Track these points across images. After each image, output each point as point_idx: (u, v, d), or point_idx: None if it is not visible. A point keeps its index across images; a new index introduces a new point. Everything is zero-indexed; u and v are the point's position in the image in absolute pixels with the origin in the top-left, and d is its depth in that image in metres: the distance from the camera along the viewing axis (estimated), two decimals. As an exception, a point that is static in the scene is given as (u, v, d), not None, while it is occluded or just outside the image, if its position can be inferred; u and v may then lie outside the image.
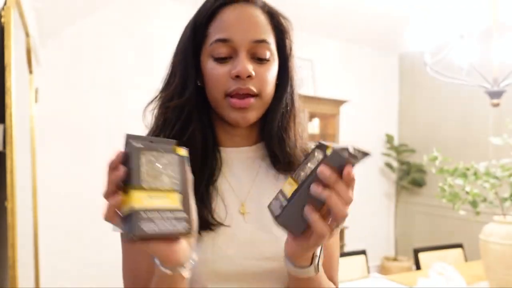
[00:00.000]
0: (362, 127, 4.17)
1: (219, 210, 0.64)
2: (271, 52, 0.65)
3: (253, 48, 0.63)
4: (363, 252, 2.17)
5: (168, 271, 0.50)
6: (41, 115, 2.61)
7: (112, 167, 0.48)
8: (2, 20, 1.23)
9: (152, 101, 0.71)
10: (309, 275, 0.57)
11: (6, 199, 1.23)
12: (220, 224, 0.63)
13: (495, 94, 1.90)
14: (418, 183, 4.01)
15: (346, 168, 0.49)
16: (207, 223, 0.62)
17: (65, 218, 2.79)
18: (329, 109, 3.60)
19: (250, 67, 0.62)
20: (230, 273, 0.62)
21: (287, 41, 0.69)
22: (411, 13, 3.26)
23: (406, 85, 4.40)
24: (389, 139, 4.21)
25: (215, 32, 0.63)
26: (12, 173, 1.23)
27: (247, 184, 0.68)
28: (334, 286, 0.69)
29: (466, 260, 2.45)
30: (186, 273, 0.52)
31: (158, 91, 0.71)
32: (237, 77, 0.62)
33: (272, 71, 0.65)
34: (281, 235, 0.61)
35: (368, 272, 2.15)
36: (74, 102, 2.85)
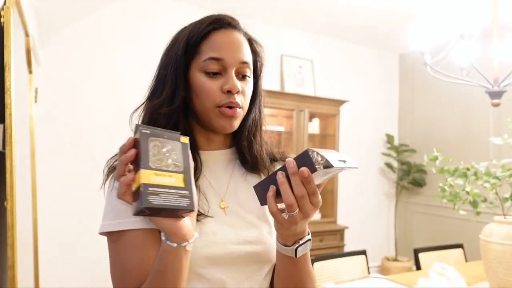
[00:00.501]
0: (362, 127, 4.17)
1: (202, 205, 0.73)
2: (251, 71, 0.77)
3: (240, 68, 0.74)
4: (363, 252, 2.17)
5: (174, 245, 0.58)
6: (41, 115, 2.61)
7: (124, 151, 0.56)
8: (2, 20, 1.22)
9: (138, 108, 0.79)
10: (288, 255, 0.67)
11: (5, 199, 1.22)
12: (205, 216, 0.72)
13: (496, 94, 1.90)
14: (419, 183, 4.01)
15: (306, 168, 0.57)
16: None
17: (65, 218, 2.79)
18: (329, 109, 3.60)
19: (239, 84, 0.73)
20: (218, 257, 0.71)
21: (259, 63, 0.82)
22: (411, 13, 3.26)
23: (406, 85, 4.40)
24: (389, 139, 4.21)
25: (208, 50, 0.73)
26: (11, 173, 1.23)
27: (225, 183, 0.79)
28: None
29: (466, 260, 2.45)
30: (190, 247, 0.60)
31: (145, 98, 0.80)
32: (229, 92, 0.72)
33: (251, 87, 0.77)
34: (258, 223, 0.77)
35: (369, 272, 2.15)
36: (74, 102, 2.85)
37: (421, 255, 2.28)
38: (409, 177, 4.03)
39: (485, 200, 1.60)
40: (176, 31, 0.84)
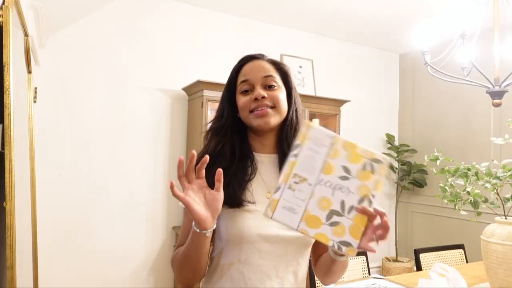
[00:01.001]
0: (362, 127, 4.16)
1: (251, 196, 0.96)
2: (277, 83, 1.00)
3: (264, 81, 0.99)
4: (363, 253, 2.16)
5: (197, 230, 0.83)
6: (40, 115, 2.60)
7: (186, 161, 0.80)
8: (1, 19, 1.22)
9: (210, 128, 1.05)
10: (343, 260, 0.91)
11: (4, 200, 1.22)
12: (250, 203, 0.94)
13: (497, 94, 1.89)
14: (419, 184, 4.00)
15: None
16: (239, 201, 0.94)
17: (64, 219, 2.79)
18: (329, 109, 3.59)
19: (263, 92, 0.97)
20: (269, 236, 0.92)
21: (289, 78, 1.05)
22: (411, 13, 3.25)
23: (407, 85, 4.39)
24: (390, 139, 4.20)
25: (240, 78, 1.02)
26: (10, 173, 1.23)
27: (274, 180, 0.98)
28: None
29: (467, 261, 2.44)
30: (208, 234, 0.84)
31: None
32: (256, 99, 0.97)
33: (281, 94, 1.00)
34: None
35: (369, 273, 2.15)
36: (73, 102, 2.84)
37: (422, 256, 2.27)
38: (410, 177, 4.03)
39: (486, 201, 1.59)
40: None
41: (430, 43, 1.95)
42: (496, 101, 1.90)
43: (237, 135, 1.01)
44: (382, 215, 0.74)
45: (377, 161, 0.76)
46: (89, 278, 2.83)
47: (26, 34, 1.69)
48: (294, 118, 1.03)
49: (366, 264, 2.15)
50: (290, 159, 0.77)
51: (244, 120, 1.00)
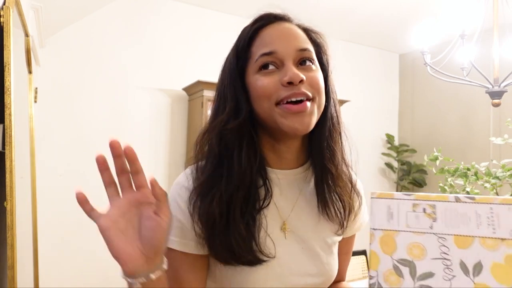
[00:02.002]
0: (362, 127, 4.16)
1: (266, 237, 0.65)
2: (315, 60, 0.66)
3: (298, 56, 0.64)
4: (363, 253, 2.17)
5: (122, 277, 0.52)
6: (41, 115, 2.60)
7: None
8: (1, 19, 1.22)
9: (205, 132, 0.69)
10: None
11: (5, 200, 1.22)
12: (268, 257, 0.64)
13: (496, 94, 1.90)
14: (419, 183, 4.00)
15: None
16: (255, 259, 0.63)
17: (65, 219, 2.79)
18: (329, 109, 3.59)
19: (299, 73, 0.62)
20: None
21: (324, 56, 0.70)
22: (411, 13, 3.25)
23: (406, 85, 4.40)
24: (389, 139, 4.21)
25: (259, 49, 0.64)
26: (11, 173, 1.23)
27: (291, 203, 0.69)
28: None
29: (466, 260, 2.44)
30: (138, 286, 0.51)
31: (209, 121, 0.70)
32: (289, 83, 0.61)
33: (320, 77, 0.66)
34: (319, 252, 0.68)
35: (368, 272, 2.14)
36: (74, 102, 2.85)
37: (421, 255, 2.27)
38: (409, 177, 4.03)
39: (485, 200, 1.59)
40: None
41: (429, 43, 1.95)
42: (496, 101, 1.90)
43: (256, 140, 0.66)
44: None
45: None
46: (90, 278, 2.83)
47: (26, 34, 1.70)
48: (334, 116, 0.70)
49: (366, 264, 2.15)
50: None
51: (263, 115, 0.64)
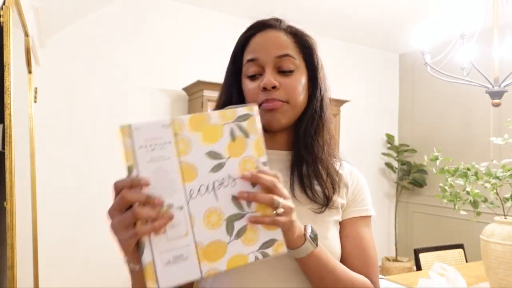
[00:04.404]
0: (362, 127, 4.16)
1: None
2: (296, 65, 0.75)
3: (278, 62, 0.74)
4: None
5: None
6: (40, 115, 2.60)
7: None
8: (1, 19, 1.22)
9: None
10: (305, 253, 0.63)
11: (5, 200, 1.22)
12: None
13: (496, 94, 1.90)
14: (419, 183, 4.00)
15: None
16: None
17: (65, 219, 2.79)
18: (329, 109, 3.59)
19: (274, 79, 0.72)
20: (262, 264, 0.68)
21: (314, 56, 0.79)
22: (411, 13, 3.25)
23: (406, 85, 4.40)
24: (389, 139, 4.21)
25: (246, 55, 0.76)
26: (11, 173, 1.23)
27: (285, 182, 0.75)
28: (362, 277, 0.74)
29: (466, 260, 2.45)
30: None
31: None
32: (264, 88, 0.72)
33: (298, 81, 0.75)
34: (315, 226, 0.69)
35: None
36: (73, 102, 2.85)
37: (422, 256, 2.27)
38: (410, 177, 4.03)
39: (485, 200, 1.60)
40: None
41: (429, 43, 1.95)
42: (496, 101, 1.90)
43: None
44: (271, 175, 0.56)
45: (243, 117, 0.56)
46: (90, 278, 2.83)
47: (26, 34, 1.70)
48: (318, 110, 0.77)
49: (366, 264, 2.15)
50: None
51: None
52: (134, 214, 0.49)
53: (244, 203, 0.55)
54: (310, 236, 0.63)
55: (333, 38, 4.01)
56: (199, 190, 0.53)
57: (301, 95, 0.75)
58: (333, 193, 0.76)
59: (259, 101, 0.73)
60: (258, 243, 0.55)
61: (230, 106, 0.58)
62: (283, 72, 0.74)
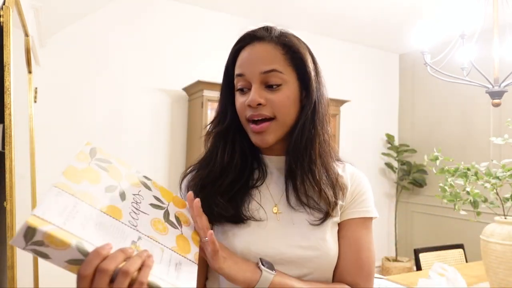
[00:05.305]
0: (362, 127, 4.16)
1: (255, 209, 0.76)
2: (283, 79, 0.74)
3: (264, 78, 0.73)
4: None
5: None
6: (40, 115, 2.60)
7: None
8: (1, 19, 1.22)
9: (208, 131, 0.83)
10: (267, 284, 0.67)
11: (5, 200, 1.22)
12: (256, 220, 0.75)
13: (496, 94, 1.90)
14: (419, 183, 4.00)
15: None
16: (237, 214, 0.74)
17: (65, 219, 2.78)
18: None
19: (259, 97, 0.72)
20: (270, 257, 0.71)
21: (305, 67, 0.77)
22: (411, 13, 3.25)
23: (406, 85, 4.40)
24: (389, 139, 4.21)
25: (236, 70, 0.76)
26: (11, 173, 1.23)
27: (281, 189, 0.79)
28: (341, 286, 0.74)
29: (466, 260, 2.45)
30: None
31: (209, 123, 0.85)
32: (250, 106, 0.73)
33: (286, 95, 0.74)
34: (311, 233, 0.74)
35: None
36: (73, 102, 2.85)
37: (422, 256, 2.27)
38: (410, 177, 4.03)
39: (485, 200, 1.60)
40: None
41: (429, 43, 1.95)
42: (496, 101, 1.90)
43: (243, 135, 0.79)
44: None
45: (145, 183, 0.67)
46: (89, 278, 2.82)
47: (26, 34, 1.70)
48: (307, 124, 0.75)
49: (366, 264, 2.15)
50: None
51: (243, 126, 0.78)
52: (125, 273, 0.48)
53: (158, 202, 0.65)
54: (263, 265, 0.67)
55: (333, 38, 4.01)
56: (132, 217, 0.58)
57: (290, 109, 0.75)
58: (330, 206, 0.75)
59: (247, 117, 0.74)
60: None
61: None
62: (270, 86, 0.73)
